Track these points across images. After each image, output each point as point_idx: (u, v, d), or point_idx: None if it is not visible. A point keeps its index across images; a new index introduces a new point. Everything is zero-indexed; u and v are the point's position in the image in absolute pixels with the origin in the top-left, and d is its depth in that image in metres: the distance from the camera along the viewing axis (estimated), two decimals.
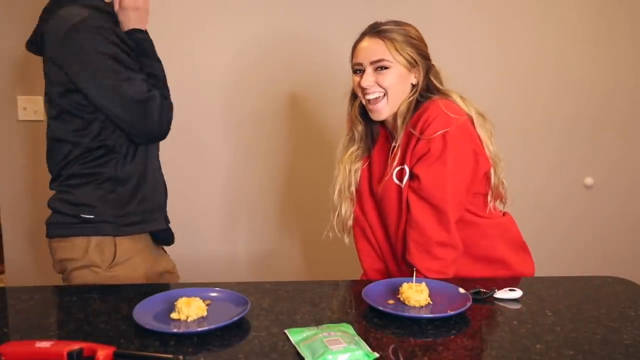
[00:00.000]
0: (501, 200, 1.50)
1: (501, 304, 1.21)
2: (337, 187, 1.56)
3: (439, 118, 1.37)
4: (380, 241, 1.55)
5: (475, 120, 1.42)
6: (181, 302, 1.10)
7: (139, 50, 1.46)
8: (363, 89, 1.45)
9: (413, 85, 1.46)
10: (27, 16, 2.24)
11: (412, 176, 1.41)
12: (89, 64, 1.38)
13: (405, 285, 1.20)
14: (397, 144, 1.45)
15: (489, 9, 2.46)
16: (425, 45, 1.48)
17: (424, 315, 1.12)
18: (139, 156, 1.50)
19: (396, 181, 1.44)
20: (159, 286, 1.29)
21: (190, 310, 1.09)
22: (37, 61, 2.24)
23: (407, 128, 1.43)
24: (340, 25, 2.33)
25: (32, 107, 2.29)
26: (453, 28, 2.41)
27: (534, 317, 1.14)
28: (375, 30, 1.44)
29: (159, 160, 1.61)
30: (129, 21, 1.46)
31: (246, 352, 0.99)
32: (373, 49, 1.43)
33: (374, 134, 1.55)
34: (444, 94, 1.45)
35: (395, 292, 1.21)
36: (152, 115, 1.42)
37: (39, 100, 2.28)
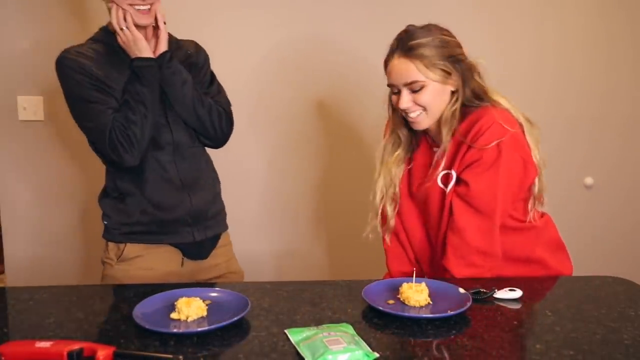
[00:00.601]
0: (540, 202, 1.49)
1: (501, 304, 1.21)
2: (381, 189, 1.53)
3: (493, 128, 1.35)
4: (418, 244, 1.55)
5: (524, 127, 1.41)
6: (181, 302, 1.10)
7: (131, 77, 1.54)
8: (401, 109, 1.42)
9: (453, 92, 1.42)
10: (26, 17, 2.25)
11: (459, 181, 1.40)
12: (65, 96, 1.56)
13: (405, 285, 1.20)
14: (444, 149, 1.42)
15: (489, 10, 2.46)
16: (459, 47, 1.43)
17: (424, 315, 1.12)
18: (132, 174, 1.58)
19: (441, 185, 1.43)
20: (159, 286, 1.29)
21: (190, 310, 1.09)
22: (37, 62, 2.25)
23: (456, 135, 1.40)
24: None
25: (32, 107, 2.29)
26: (453, 29, 2.40)
27: (534, 317, 1.14)
28: (404, 49, 1.38)
29: (182, 177, 1.62)
30: (129, 54, 1.55)
31: (246, 352, 0.99)
32: (404, 70, 1.38)
33: (417, 138, 1.53)
34: (493, 100, 1.42)
35: (395, 292, 1.21)
36: (103, 143, 1.51)
37: (39, 100, 2.28)
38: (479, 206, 1.37)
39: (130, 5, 1.53)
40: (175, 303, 1.11)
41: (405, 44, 1.39)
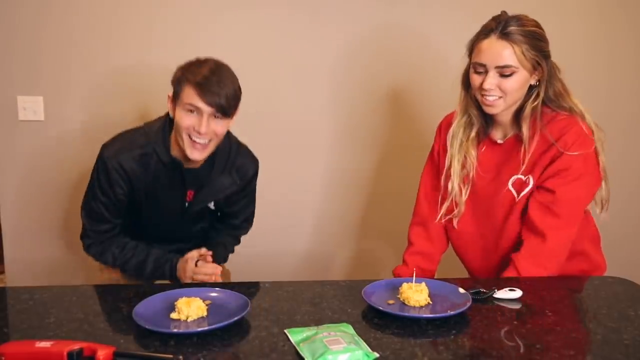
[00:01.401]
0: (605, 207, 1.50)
1: (501, 304, 1.21)
2: (459, 171, 1.48)
3: (580, 140, 1.37)
4: (469, 238, 1.53)
5: (595, 134, 1.42)
6: (181, 302, 1.10)
7: (154, 258, 1.62)
8: (483, 89, 1.40)
9: (532, 86, 1.42)
10: (25, 17, 2.24)
11: (539, 189, 1.40)
12: (91, 174, 1.64)
13: (405, 285, 1.20)
14: (525, 150, 1.40)
15: (489, 9, 2.45)
16: (548, 42, 1.44)
17: (424, 315, 1.12)
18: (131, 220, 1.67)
19: (512, 190, 1.43)
20: (159, 286, 1.29)
21: (190, 310, 1.09)
22: (37, 61, 2.25)
23: (540, 140, 1.39)
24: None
25: (32, 107, 2.28)
26: (452, 28, 2.41)
27: (534, 317, 1.14)
28: (503, 32, 1.37)
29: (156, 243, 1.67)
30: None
31: (246, 352, 0.99)
32: (500, 52, 1.37)
33: (488, 123, 1.49)
34: (573, 102, 1.43)
35: (395, 292, 1.22)
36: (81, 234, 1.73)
37: (39, 100, 2.28)
38: (564, 215, 1.38)
39: (187, 134, 1.41)
40: (175, 303, 1.11)
41: (505, 26, 1.37)
